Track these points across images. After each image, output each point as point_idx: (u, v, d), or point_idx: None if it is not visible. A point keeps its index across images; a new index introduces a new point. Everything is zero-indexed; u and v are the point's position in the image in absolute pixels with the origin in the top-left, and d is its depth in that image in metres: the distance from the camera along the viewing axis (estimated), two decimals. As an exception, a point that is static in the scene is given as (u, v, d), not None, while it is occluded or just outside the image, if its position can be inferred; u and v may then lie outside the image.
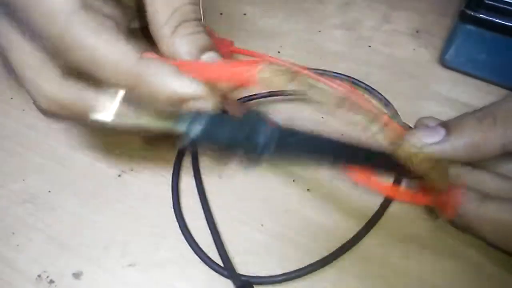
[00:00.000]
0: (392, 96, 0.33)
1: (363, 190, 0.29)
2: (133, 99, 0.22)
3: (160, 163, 0.31)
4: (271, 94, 0.33)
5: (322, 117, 0.33)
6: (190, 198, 0.29)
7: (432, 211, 0.28)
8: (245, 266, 0.27)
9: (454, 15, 0.36)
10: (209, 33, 0.24)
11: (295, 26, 0.40)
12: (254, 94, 0.34)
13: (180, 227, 0.28)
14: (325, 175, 0.30)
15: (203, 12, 0.24)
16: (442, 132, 0.25)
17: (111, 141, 0.32)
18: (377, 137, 0.24)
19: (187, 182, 0.30)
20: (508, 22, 0.30)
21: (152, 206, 0.29)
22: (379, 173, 0.25)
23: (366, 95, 0.33)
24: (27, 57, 0.22)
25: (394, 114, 0.32)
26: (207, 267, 0.27)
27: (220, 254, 0.27)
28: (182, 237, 0.28)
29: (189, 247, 0.27)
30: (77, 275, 0.27)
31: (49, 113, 0.23)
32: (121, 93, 0.21)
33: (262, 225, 0.28)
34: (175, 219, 0.28)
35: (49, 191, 0.30)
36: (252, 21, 0.40)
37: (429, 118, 0.27)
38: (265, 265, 0.27)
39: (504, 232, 0.24)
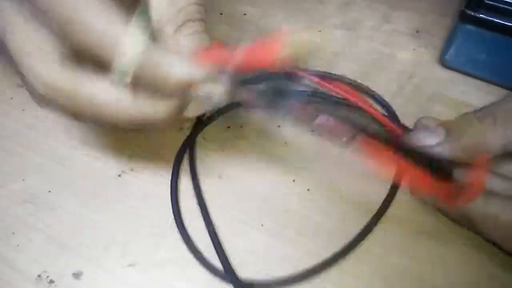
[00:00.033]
0: (392, 96, 0.33)
1: (367, 183, 0.29)
2: (140, 85, 0.21)
3: (160, 163, 0.31)
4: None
5: (322, 117, 0.33)
6: (189, 199, 0.29)
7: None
8: (245, 266, 0.27)
9: (454, 15, 0.36)
10: (221, 45, 0.24)
11: (295, 26, 0.40)
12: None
13: (180, 231, 0.28)
14: (325, 175, 0.30)
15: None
16: (442, 133, 0.25)
17: (110, 140, 0.32)
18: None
19: (187, 183, 0.30)
20: (508, 22, 0.30)
21: (152, 206, 0.29)
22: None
23: (366, 97, 0.33)
24: (28, 40, 0.21)
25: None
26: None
27: (220, 260, 0.27)
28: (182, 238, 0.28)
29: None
30: (77, 275, 0.27)
31: (45, 101, 0.22)
32: (128, 78, 0.21)
33: (262, 225, 0.28)
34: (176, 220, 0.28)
35: (49, 191, 0.30)
36: (252, 21, 0.40)
37: (429, 118, 0.27)
38: (265, 265, 0.27)
39: (505, 231, 0.24)
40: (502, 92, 0.33)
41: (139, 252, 0.27)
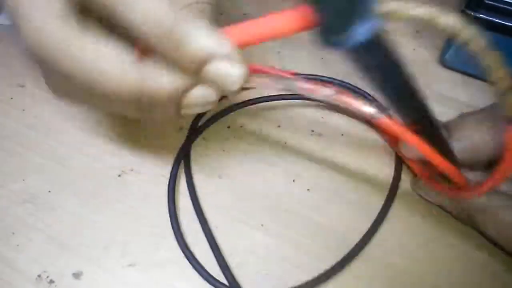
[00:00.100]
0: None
1: (368, 183, 0.29)
2: (151, 51, 0.19)
3: (160, 163, 0.31)
4: (268, 98, 0.33)
5: (322, 117, 0.33)
6: (188, 200, 0.29)
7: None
8: (245, 266, 0.27)
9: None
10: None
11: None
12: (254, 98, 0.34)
13: (175, 234, 0.28)
14: (325, 175, 0.30)
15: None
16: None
17: (111, 140, 0.32)
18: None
19: (186, 184, 0.30)
20: (508, 22, 0.30)
21: (152, 206, 0.29)
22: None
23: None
24: None
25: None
26: (207, 267, 0.27)
27: (221, 268, 0.26)
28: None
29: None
30: (77, 275, 0.27)
31: (38, 58, 0.19)
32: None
33: (262, 225, 0.28)
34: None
35: (49, 191, 0.30)
36: (252, 21, 0.40)
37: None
38: (265, 265, 0.27)
39: (504, 230, 0.24)
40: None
41: (139, 252, 0.27)
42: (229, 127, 0.33)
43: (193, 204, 0.29)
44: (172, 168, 0.30)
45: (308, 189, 0.29)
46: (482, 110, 0.26)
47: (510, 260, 0.26)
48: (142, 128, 0.33)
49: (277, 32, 0.19)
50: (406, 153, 0.27)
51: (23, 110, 0.34)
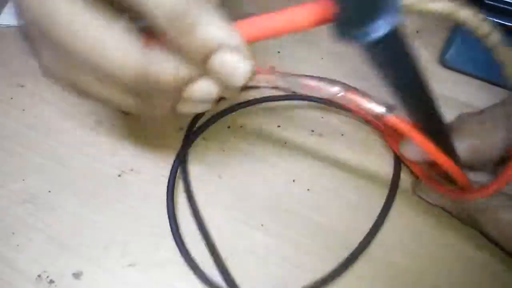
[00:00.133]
0: (389, 97, 0.33)
1: (368, 183, 0.29)
2: (159, 36, 0.18)
3: (160, 163, 0.31)
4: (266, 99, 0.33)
5: (322, 117, 0.33)
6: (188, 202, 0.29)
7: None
8: (245, 265, 0.27)
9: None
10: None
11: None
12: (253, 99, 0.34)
13: (173, 236, 0.27)
14: (325, 175, 0.30)
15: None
16: None
17: (111, 140, 0.32)
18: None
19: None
20: (508, 22, 0.30)
21: (152, 206, 0.29)
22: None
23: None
24: None
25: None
26: (207, 267, 0.27)
27: (218, 268, 0.26)
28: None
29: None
30: (77, 275, 0.27)
31: (35, 31, 0.19)
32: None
33: (262, 225, 0.28)
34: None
35: (49, 191, 0.30)
36: (252, 21, 0.40)
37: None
38: (265, 265, 0.27)
39: (504, 230, 0.24)
40: (502, 92, 0.33)
41: (139, 252, 0.27)
42: (229, 127, 0.33)
43: (190, 205, 0.29)
44: (172, 168, 0.30)
45: (308, 189, 0.29)
46: (482, 111, 0.26)
47: (510, 260, 0.26)
48: (142, 128, 0.33)
49: (296, 26, 0.19)
50: (406, 153, 0.27)
51: (23, 110, 0.34)
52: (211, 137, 0.32)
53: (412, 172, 0.29)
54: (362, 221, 0.28)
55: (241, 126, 0.33)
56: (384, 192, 0.29)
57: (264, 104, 0.33)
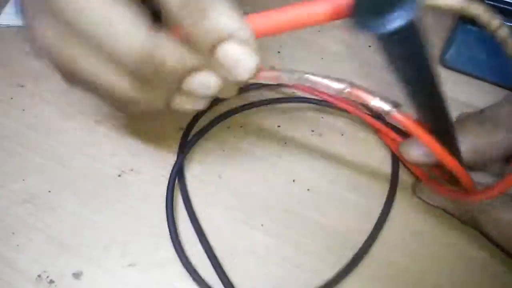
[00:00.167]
0: (392, 96, 0.33)
1: (368, 183, 0.29)
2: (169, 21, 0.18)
3: (160, 163, 0.31)
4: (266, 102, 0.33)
5: (322, 117, 0.33)
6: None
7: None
8: (245, 266, 0.27)
9: (454, 15, 0.36)
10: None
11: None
12: (250, 102, 0.34)
13: (171, 237, 0.27)
14: (325, 175, 0.30)
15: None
16: None
17: (111, 139, 0.32)
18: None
19: (186, 184, 0.30)
20: (508, 22, 0.30)
21: (152, 206, 0.29)
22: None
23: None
24: None
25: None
26: (207, 267, 0.27)
27: (215, 270, 0.26)
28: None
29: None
30: (77, 275, 0.27)
31: (25, 9, 0.18)
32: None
33: (262, 225, 0.28)
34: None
35: (49, 191, 0.30)
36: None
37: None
38: (265, 265, 0.27)
39: (505, 231, 0.24)
40: (502, 92, 0.33)
41: (139, 252, 0.27)
42: (229, 127, 0.33)
43: (186, 208, 0.29)
44: (172, 168, 0.30)
45: (308, 189, 0.29)
46: (482, 110, 0.26)
47: (511, 261, 0.26)
48: (142, 128, 0.33)
49: (311, 20, 0.18)
50: (407, 154, 0.26)
51: (23, 110, 0.34)
52: (211, 137, 0.32)
53: (411, 172, 0.29)
54: (362, 221, 0.28)
55: (241, 126, 0.33)
56: (384, 192, 0.29)
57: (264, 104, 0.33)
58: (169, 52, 0.18)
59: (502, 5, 0.30)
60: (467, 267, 0.26)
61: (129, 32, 0.17)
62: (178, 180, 0.30)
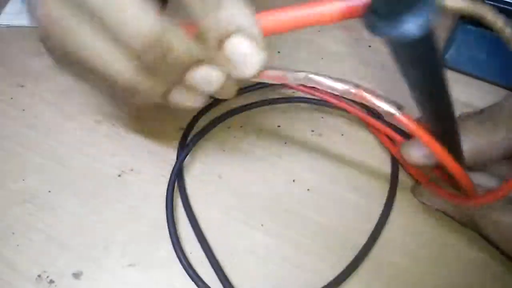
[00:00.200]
0: (392, 96, 0.33)
1: (368, 183, 0.29)
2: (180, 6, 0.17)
3: (160, 163, 0.31)
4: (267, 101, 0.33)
5: (322, 117, 0.33)
6: (191, 203, 0.29)
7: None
8: (245, 266, 0.27)
9: (454, 15, 0.36)
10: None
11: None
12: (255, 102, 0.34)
13: (171, 238, 0.27)
14: (325, 175, 0.30)
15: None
16: None
17: (111, 140, 0.32)
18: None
19: (186, 184, 0.30)
20: (508, 22, 0.30)
21: (152, 206, 0.29)
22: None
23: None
24: None
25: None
26: (207, 267, 0.27)
27: (215, 271, 0.26)
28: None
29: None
30: (77, 275, 0.27)
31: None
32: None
33: (262, 225, 0.28)
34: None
35: (49, 191, 0.30)
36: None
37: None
38: (265, 265, 0.27)
39: (505, 234, 0.24)
40: (502, 92, 0.33)
41: (139, 252, 0.27)
42: (229, 127, 0.33)
43: (185, 209, 0.29)
44: (172, 168, 0.30)
45: (308, 189, 0.29)
46: (482, 110, 0.26)
47: (510, 262, 0.26)
48: (142, 128, 0.33)
49: (323, 19, 0.18)
50: (407, 155, 0.26)
51: (23, 110, 0.34)
52: (211, 137, 0.32)
53: (411, 176, 0.29)
54: (362, 221, 0.28)
55: (241, 126, 0.33)
56: (384, 192, 0.29)
57: (263, 104, 0.33)
58: (177, 39, 0.18)
59: (502, 5, 0.30)
60: (466, 268, 0.26)
61: (138, 15, 0.17)
62: (178, 180, 0.30)
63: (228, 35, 0.17)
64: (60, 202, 0.29)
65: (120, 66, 0.18)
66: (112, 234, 0.28)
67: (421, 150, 0.24)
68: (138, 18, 0.17)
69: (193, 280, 0.26)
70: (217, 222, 0.28)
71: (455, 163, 0.22)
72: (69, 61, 0.19)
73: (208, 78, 0.19)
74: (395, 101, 0.21)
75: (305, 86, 0.27)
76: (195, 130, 0.32)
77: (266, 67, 0.20)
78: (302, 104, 0.33)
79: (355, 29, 0.39)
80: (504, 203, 0.24)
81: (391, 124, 0.27)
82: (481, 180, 0.25)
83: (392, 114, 0.20)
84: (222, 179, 0.30)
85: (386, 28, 0.14)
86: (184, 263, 0.26)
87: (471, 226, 0.26)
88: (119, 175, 0.31)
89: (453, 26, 0.35)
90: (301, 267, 0.26)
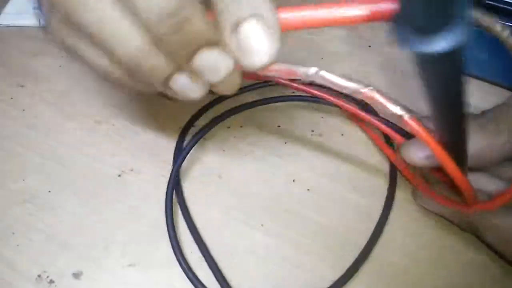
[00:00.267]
0: (392, 96, 0.33)
1: (367, 183, 0.29)
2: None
3: (160, 163, 0.31)
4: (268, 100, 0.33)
5: (322, 117, 0.33)
6: (187, 201, 0.29)
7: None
8: (245, 266, 0.27)
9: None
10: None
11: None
12: (255, 101, 0.34)
13: (170, 239, 0.27)
14: (325, 175, 0.30)
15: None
16: None
17: (111, 140, 0.32)
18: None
19: (186, 184, 0.30)
20: (508, 22, 0.30)
21: (152, 206, 0.29)
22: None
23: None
24: None
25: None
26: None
27: (213, 272, 0.26)
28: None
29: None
30: (77, 275, 0.27)
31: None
32: None
33: (262, 225, 0.28)
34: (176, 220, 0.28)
35: (49, 191, 0.30)
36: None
37: (429, 117, 0.27)
38: (265, 265, 0.27)
39: (505, 239, 0.24)
40: (502, 92, 0.33)
41: (139, 252, 0.27)
42: (229, 127, 0.33)
43: (182, 212, 0.29)
44: (172, 168, 0.30)
45: (308, 189, 0.29)
46: (484, 112, 0.25)
47: (509, 265, 0.26)
48: (142, 128, 0.33)
49: (346, 20, 0.18)
50: (407, 155, 0.26)
51: (23, 110, 0.34)
52: (211, 137, 0.32)
53: (409, 182, 0.29)
54: (362, 221, 0.28)
55: (241, 126, 0.33)
56: (384, 192, 0.29)
57: (263, 104, 0.33)
58: (196, 14, 0.17)
59: (502, 5, 0.30)
60: (466, 269, 0.26)
61: None
62: (178, 180, 0.30)
63: (244, 19, 0.17)
64: (60, 202, 0.29)
65: (130, 36, 0.17)
66: (112, 234, 0.28)
67: (422, 151, 0.24)
68: None
69: (192, 283, 0.26)
70: (217, 222, 0.28)
71: (457, 168, 0.22)
72: (74, 26, 0.18)
73: (217, 63, 0.18)
74: (402, 104, 0.21)
75: (305, 85, 0.27)
76: (195, 130, 0.32)
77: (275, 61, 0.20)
78: (302, 104, 0.33)
79: (355, 29, 0.39)
80: (503, 208, 0.24)
81: (392, 123, 0.27)
82: (481, 180, 0.25)
83: (400, 116, 0.20)
84: (222, 179, 0.30)
85: (419, 42, 0.13)
86: (184, 266, 0.26)
87: (470, 230, 0.26)
88: (119, 175, 0.31)
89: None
90: (301, 267, 0.26)
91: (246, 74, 0.21)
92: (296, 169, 0.30)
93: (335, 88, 0.20)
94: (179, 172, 0.30)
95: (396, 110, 0.20)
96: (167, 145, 0.32)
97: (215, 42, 0.18)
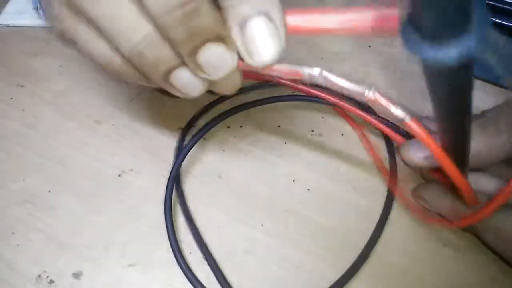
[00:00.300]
0: (392, 96, 0.33)
1: (367, 183, 0.29)
2: None
3: (160, 163, 0.31)
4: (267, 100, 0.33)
5: (322, 117, 0.33)
6: (187, 200, 0.29)
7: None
8: (245, 266, 0.27)
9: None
10: None
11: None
12: (256, 100, 0.34)
13: (170, 239, 0.27)
14: (325, 175, 0.30)
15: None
16: None
17: (110, 140, 0.32)
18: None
19: (186, 184, 0.30)
20: (508, 22, 0.30)
21: (152, 206, 0.29)
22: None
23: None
24: None
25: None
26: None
27: (219, 281, 0.26)
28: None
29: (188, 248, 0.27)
30: (77, 275, 0.27)
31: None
32: None
33: (262, 225, 0.28)
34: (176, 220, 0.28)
35: (49, 191, 0.30)
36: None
37: (429, 118, 0.27)
38: (265, 265, 0.27)
39: (505, 241, 0.24)
40: (502, 92, 0.33)
41: (139, 252, 0.27)
42: (229, 127, 0.33)
43: (182, 210, 0.29)
44: (172, 168, 0.30)
45: (308, 189, 0.29)
46: (484, 113, 0.25)
47: (510, 267, 0.26)
48: (142, 128, 0.33)
49: (353, 31, 0.17)
50: (407, 155, 0.26)
51: (23, 110, 0.34)
52: (211, 137, 0.32)
53: (406, 206, 0.29)
54: (362, 221, 0.28)
55: (241, 126, 0.33)
56: (384, 192, 0.29)
57: (263, 103, 0.33)
58: (205, 6, 0.17)
59: (502, 5, 0.30)
60: (466, 269, 0.26)
61: None
62: (178, 180, 0.30)
63: (251, 17, 0.17)
64: (60, 202, 0.29)
65: (137, 24, 0.17)
66: (112, 234, 0.28)
67: (421, 151, 0.24)
68: None
69: (192, 284, 0.26)
70: (217, 222, 0.28)
71: (457, 169, 0.22)
72: (79, 13, 0.18)
73: (222, 59, 0.18)
74: (403, 104, 0.21)
75: (305, 85, 0.27)
76: (195, 129, 0.32)
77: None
78: (302, 104, 0.33)
79: (355, 29, 0.39)
80: (504, 209, 0.24)
81: (392, 123, 0.27)
82: (481, 181, 0.25)
83: (402, 119, 0.20)
84: (222, 179, 0.30)
85: (431, 50, 0.12)
86: (184, 266, 0.26)
87: (470, 231, 0.26)
88: (119, 175, 0.31)
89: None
90: (301, 267, 0.26)
91: (246, 74, 0.21)
92: (296, 169, 0.30)
93: (339, 90, 0.20)
94: (179, 172, 0.30)
95: (398, 113, 0.20)
96: (167, 145, 0.32)
97: (221, 38, 0.18)
